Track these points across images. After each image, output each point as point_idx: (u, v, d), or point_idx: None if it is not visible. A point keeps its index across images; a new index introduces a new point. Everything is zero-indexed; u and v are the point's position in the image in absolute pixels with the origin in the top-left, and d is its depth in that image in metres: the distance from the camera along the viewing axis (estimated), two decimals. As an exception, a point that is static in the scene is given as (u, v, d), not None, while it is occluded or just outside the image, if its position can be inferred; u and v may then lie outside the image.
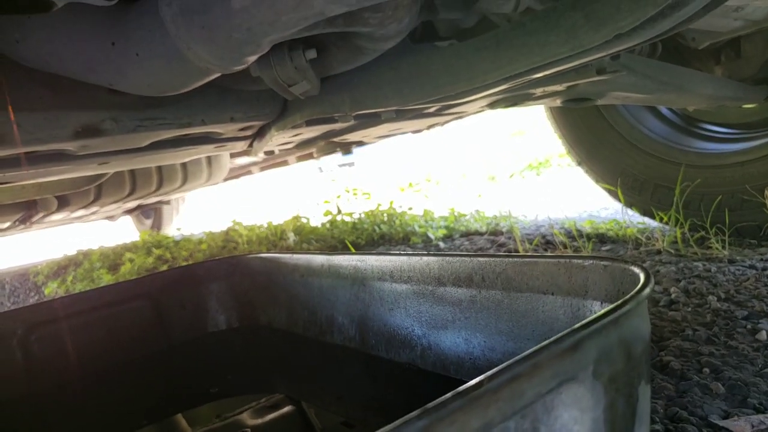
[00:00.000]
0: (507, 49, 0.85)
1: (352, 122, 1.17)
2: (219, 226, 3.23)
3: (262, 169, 3.56)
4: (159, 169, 2.84)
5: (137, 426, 0.92)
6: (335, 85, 0.94)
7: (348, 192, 2.62)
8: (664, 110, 2.08)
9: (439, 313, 0.67)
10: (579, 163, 2.14)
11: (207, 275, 1.00)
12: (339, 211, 2.50)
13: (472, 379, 0.65)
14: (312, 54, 0.77)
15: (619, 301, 0.36)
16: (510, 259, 0.58)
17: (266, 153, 1.58)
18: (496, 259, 0.60)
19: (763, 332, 0.85)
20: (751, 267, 1.24)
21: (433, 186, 2.55)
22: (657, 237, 1.64)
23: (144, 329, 0.95)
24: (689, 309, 1.01)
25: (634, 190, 1.90)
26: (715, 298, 1.04)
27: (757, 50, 1.79)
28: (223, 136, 1.07)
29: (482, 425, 0.27)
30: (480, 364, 0.63)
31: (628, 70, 1.38)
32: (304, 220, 2.50)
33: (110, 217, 4.11)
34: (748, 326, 0.89)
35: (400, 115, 1.21)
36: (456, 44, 0.91)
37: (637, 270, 0.43)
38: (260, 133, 1.11)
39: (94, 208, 3.00)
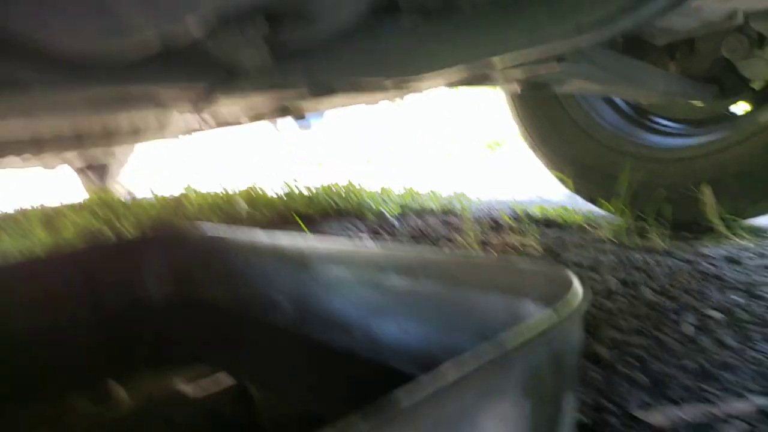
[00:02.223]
0: (467, 37, 0.84)
1: (304, 92, 1.14)
2: (172, 190, 3.14)
3: (218, 125, 3.46)
4: (104, 121, 2.74)
5: (68, 389, 0.90)
6: (288, 58, 0.91)
7: (305, 162, 2.58)
8: (617, 100, 2.11)
9: (379, 301, 0.67)
10: (531, 147, 2.16)
11: (145, 248, 0.97)
12: (294, 182, 2.46)
13: (407, 367, 0.66)
14: (263, 26, 0.74)
15: (554, 315, 0.36)
16: (452, 255, 0.58)
17: (215, 118, 1.54)
18: (439, 254, 0.60)
19: (689, 325, 0.89)
20: (686, 261, 1.29)
21: (390, 161, 2.55)
22: (602, 225, 1.68)
23: (77, 302, 0.92)
24: (625, 300, 1.04)
25: (583, 177, 1.94)
26: (650, 291, 1.08)
27: (709, 50, 1.83)
28: (165, 99, 1.03)
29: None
30: (415, 353, 0.63)
31: (588, 60, 1.39)
32: (257, 190, 2.46)
33: (49, 166, 3.96)
34: (676, 319, 0.92)
35: (355, 88, 1.19)
36: (416, 26, 0.89)
37: (573, 279, 0.44)
38: (205, 100, 1.07)
39: (33, 161, 2.87)
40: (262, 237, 0.85)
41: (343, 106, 1.74)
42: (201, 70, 0.90)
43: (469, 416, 0.31)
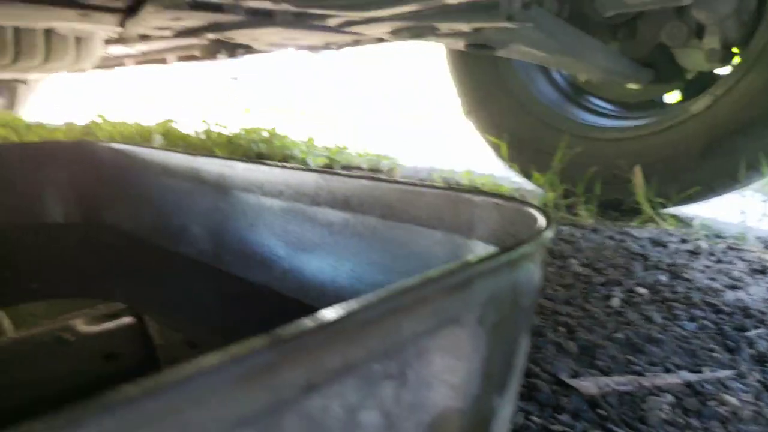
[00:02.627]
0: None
1: (242, 17, 1.05)
2: (82, 119, 2.91)
3: (138, 62, 3.24)
4: (17, 41, 2.49)
5: None
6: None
7: (229, 107, 2.45)
8: (555, 75, 2.11)
9: (308, 235, 0.61)
10: (467, 113, 2.14)
11: (47, 157, 0.86)
12: (216, 123, 2.33)
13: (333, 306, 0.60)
14: None
15: (518, 242, 0.31)
16: (394, 185, 0.52)
17: (142, 38, 1.40)
18: (379, 183, 0.53)
19: (616, 299, 0.88)
20: (610, 238, 1.30)
21: (317, 117, 2.45)
22: (530, 197, 1.68)
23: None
24: (552, 270, 1.03)
25: (514, 149, 1.93)
26: (577, 262, 1.07)
27: (651, 33, 1.85)
28: (90, 3, 0.91)
29: (342, 364, 0.21)
30: (344, 293, 0.57)
31: (536, 24, 1.35)
32: (175, 126, 2.31)
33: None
34: (603, 292, 0.92)
35: (297, 20, 1.10)
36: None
37: (534, 212, 0.39)
38: (135, 8, 0.95)
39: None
40: (178, 157, 0.76)
41: (280, 45, 1.63)
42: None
43: (417, 339, 0.26)
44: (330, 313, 0.23)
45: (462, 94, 2.13)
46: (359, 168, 2.05)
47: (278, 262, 0.63)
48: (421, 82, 5.66)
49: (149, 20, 1.03)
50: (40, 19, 1.07)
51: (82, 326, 0.84)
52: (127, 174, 0.83)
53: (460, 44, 1.55)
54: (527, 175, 1.86)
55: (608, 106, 2.04)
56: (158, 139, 1.97)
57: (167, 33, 1.26)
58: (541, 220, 0.36)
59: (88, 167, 0.87)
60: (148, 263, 0.83)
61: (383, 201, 0.52)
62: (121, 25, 1.12)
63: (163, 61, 3.12)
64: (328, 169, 1.98)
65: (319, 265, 0.59)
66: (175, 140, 2.04)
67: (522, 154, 1.94)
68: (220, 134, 2.23)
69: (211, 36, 1.43)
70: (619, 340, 0.72)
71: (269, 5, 0.93)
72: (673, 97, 1.96)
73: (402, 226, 0.51)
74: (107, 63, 3.23)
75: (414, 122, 4.56)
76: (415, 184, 0.52)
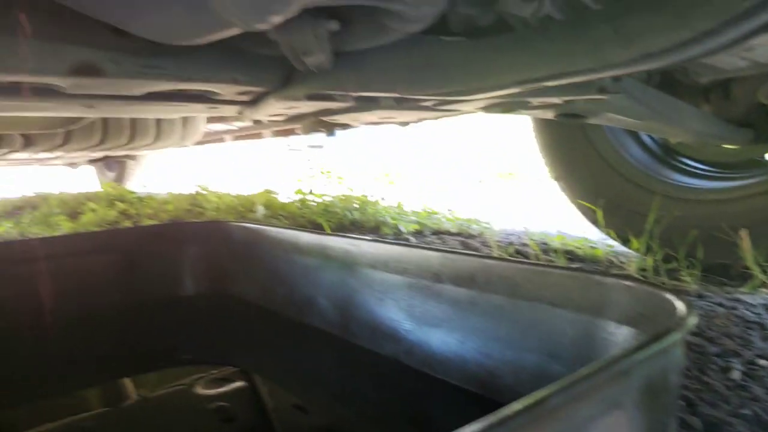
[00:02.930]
0: (526, 53, 0.83)
1: (351, 103, 1.14)
2: (182, 188, 3.14)
3: (236, 138, 3.48)
4: (132, 123, 2.75)
5: (82, 383, 0.88)
6: (346, 62, 0.90)
7: (322, 173, 2.58)
8: (645, 138, 2.10)
9: (433, 310, 0.65)
10: (556, 179, 2.15)
11: (184, 236, 0.95)
12: (311, 191, 2.45)
13: (458, 381, 0.63)
14: (334, 26, 0.73)
15: (665, 329, 0.34)
16: (520, 265, 0.56)
17: (254, 121, 1.53)
18: (504, 263, 0.57)
19: (736, 371, 0.86)
20: (720, 304, 1.26)
21: (403, 180, 2.55)
22: (628, 261, 1.66)
23: (111, 284, 0.90)
24: (660, 337, 1.02)
25: (607, 212, 1.92)
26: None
27: (745, 94, 1.82)
28: (219, 98, 1.02)
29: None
30: (470, 368, 0.60)
31: (627, 93, 1.38)
32: (274, 195, 2.45)
33: (72, 164, 3.96)
34: (721, 363, 0.90)
35: (399, 104, 1.18)
36: (474, 40, 0.89)
37: (668, 295, 0.41)
38: (257, 100, 1.06)
39: (58, 153, 2.87)
40: (306, 236, 0.83)
41: (377, 122, 1.73)
42: (261, 70, 0.90)
43: (592, 422, 0.29)
44: (516, 405, 0.27)
45: (549, 158, 2.15)
46: (449, 232, 2.09)
47: (404, 335, 0.68)
48: (506, 140, 5.71)
49: (266, 109, 1.14)
50: (174, 113, 1.20)
51: (200, 390, 0.91)
52: (257, 250, 0.91)
53: (549, 114, 1.59)
54: (623, 240, 1.84)
55: (704, 166, 2.00)
56: (261, 209, 2.11)
57: (278, 118, 1.38)
58: (679, 305, 0.39)
59: (221, 244, 0.96)
60: (274, 332, 0.89)
61: (510, 280, 0.56)
62: (239, 112, 1.24)
63: (258, 136, 3.34)
64: (418, 235, 2.04)
65: (445, 339, 0.63)
66: (276, 210, 2.17)
67: (615, 217, 1.92)
68: (315, 202, 2.34)
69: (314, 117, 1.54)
70: (747, 417, 0.71)
71: (378, 94, 1.01)
72: (775, 155, 1.90)
73: (529, 305, 0.55)
74: (207, 139, 3.49)
75: (500, 182, 4.59)
76: (542, 265, 0.55)
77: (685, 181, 1.95)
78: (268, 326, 0.89)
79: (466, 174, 4.94)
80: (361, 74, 0.92)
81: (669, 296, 0.42)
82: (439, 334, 0.64)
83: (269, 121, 1.51)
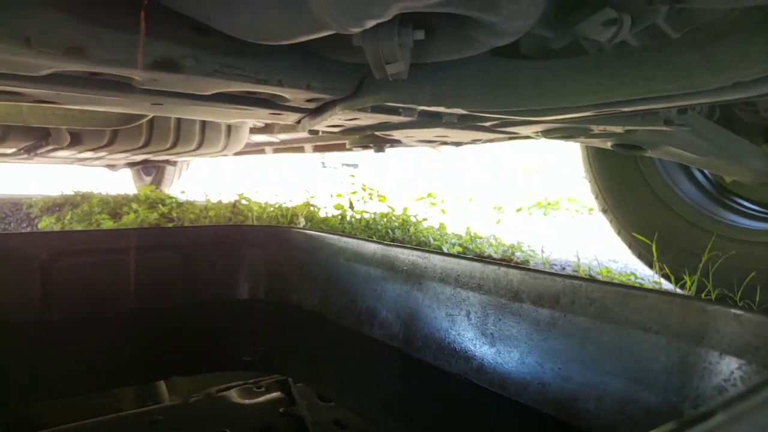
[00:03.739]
0: (607, 76, 0.82)
1: (414, 118, 1.13)
2: (220, 197, 3.16)
3: (276, 150, 3.50)
4: (177, 128, 2.79)
5: (121, 381, 0.87)
6: (421, 74, 0.90)
7: (364, 190, 2.58)
8: (698, 175, 2.07)
9: (510, 330, 0.63)
10: (604, 210, 2.12)
11: (243, 239, 0.95)
12: (351, 207, 2.45)
13: (533, 403, 0.61)
14: (420, 35, 0.73)
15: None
16: (609, 287, 0.54)
17: (311, 132, 1.53)
18: (593, 284, 0.55)
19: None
20: (779, 349, 1.21)
21: (444, 202, 2.53)
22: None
23: (166, 282, 0.90)
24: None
25: (657, 248, 1.88)
26: (748, 373, 1.01)
27: (806, 136, 1.78)
28: (286, 104, 1.02)
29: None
30: (549, 391, 0.58)
31: (690, 127, 1.36)
32: (315, 209, 2.45)
33: (112, 166, 4.04)
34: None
35: (461, 122, 1.18)
36: (552, 61, 0.88)
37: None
38: (322, 109, 1.06)
39: (102, 153, 2.93)
40: (371, 246, 0.82)
41: (430, 141, 1.72)
42: (335, 77, 0.90)
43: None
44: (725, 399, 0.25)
45: (599, 190, 2.12)
46: (491, 258, 2.06)
47: (475, 353, 0.66)
48: (550, 169, 5.67)
49: (328, 119, 1.14)
50: (236, 117, 1.21)
51: (237, 398, 0.90)
52: (318, 257, 0.90)
53: (607, 144, 1.57)
54: (675, 278, 1.79)
55: (758, 208, 1.95)
56: (302, 221, 2.11)
57: (333, 129, 1.38)
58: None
59: (281, 250, 0.95)
60: (330, 341, 0.88)
61: (599, 302, 0.54)
62: (298, 122, 1.24)
63: (300, 149, 3.36)
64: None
65: (522, 360, 0.61)
66: (317, 223, 2.17)
67: (665, 254, 1.88)
68: (356, 218, 2.34)
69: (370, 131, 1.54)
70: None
71: (445, 110, 1.01)
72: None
73: (619, 329, 0.53)
74: (248, 149, 3.53)
75: (543, 210, 4.54)
76: (635, 287, 0.53)
77: (738, 221, 1.91)
78: (324, 335, 0.88)
79: (509, 200, 4.91)
80: (435, 87, 0.91)
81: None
82: (515, 353, 0.62)
83: (323, 132, 1.52)
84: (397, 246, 0.78)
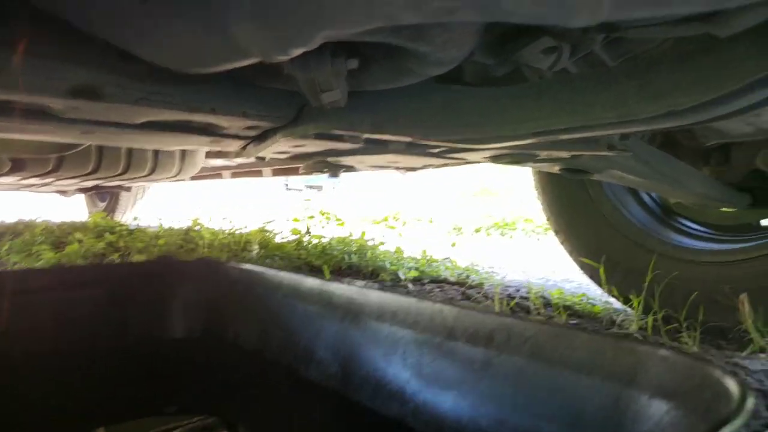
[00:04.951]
0: (548, 103, 0.82)
1: (360, 145, 1.11)
2: (176, 223, 3.09)
3: (234, 175, 3.45)
4: (129, 153, 2.72)
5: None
6: (360, 103, 0.88)
7: (322, 215, 2.54)
8: (645, 197, 2.10)
9: (445, 370, 0.61)
10: (556, 232, 2.14)
11: (177, 275, 0.91)
12: (308, 232, 2.41)
13: (470, 449, 0.58)
14: (354, 64, 0.71)
15: (725, 416, 0.30)
16: (543, 325, 0.52)
17: (258, 158, 1.50)
18: (526, 322, 0.54)
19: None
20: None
21: (400, 226, 2.52)
22: (627, 320, 1.62)
23: (93, 322, 0.85)
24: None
25: (607, 269, 1.89)
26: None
27: (745, 158, 1.83)
28: (224, 132, 0.99)
29: None
30: (484, 435, 0.56)
31: (632, 152, 1.38)
32: (270, 234, 2.41)
33: (63, 192, 3.91)
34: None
35: (409, 149, 1.16)
36: (494, 88, 0.87)
37: (714, 370, 0.38)
38: (263, 136, 1.04)
39: (49, 179, 2.83)
40: (309, 281, 0.79)
41: (382, 167, 1.71)
42: (272, 105, 0.88)
43: None
44: None
45: (550, 213, 2.14)
46: (447, 281, 2.05)
47: (411, 396, 0.63)
48: (506, 191, 5.73)
49: (272, 146, 1.11)
50: (175, 145, 1.17)
51: None
52: (254, 293, 0.86)
53: (555, 168, 1.58)
54: (624, 298, 1.81)
55: (702, 228, 2.00)
56: (256, 249, 2.06)
57: (282, 156, 1.35)
58: (729, 383, 0.36)
59: (215, 285, 0.91)
60: (267, 382, 0.84)
61: (532, 340, 0.53)
62: (243, 148, 1.21)
63: (258, 174, 3.31)
64: (417, 282, 2.00)
65: (457, 403, 0.59)
66: (271, 250, 2.12)
67: (614, 275, 1.90)
68: (312, 243, 2.30)
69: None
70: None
71: (390, 137, 0.99)
72: (773, 219, 1.89)
73: (552, 369, 0.51)
74: (205, 174, 3.46)
75: (499, 231, 4.57)
76: (568, 326, 0.52)
77: (684, 242, 1.94)
78: (261, 375, 0.84)
79: (468, 221, 4.93)
80: (375, 116, 0.90)
81: (713, 370, 0.38)
82: (450, 396, 0.60)
83: (272, 158, 1.48)
84: (334, 281, 0.76)
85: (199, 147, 1.14)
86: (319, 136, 1.06)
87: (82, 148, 2.49)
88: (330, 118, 0.90)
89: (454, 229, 4.69)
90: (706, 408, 0.32)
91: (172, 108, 0.81)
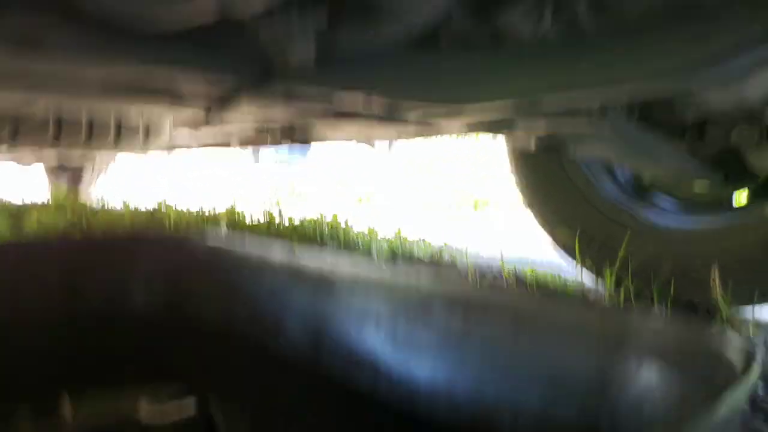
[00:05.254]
0: (530, 66, 0.79)
1: (330, 113, 1.07)
2: (141, 202, 3.01)
3: (201, 145, 3.36)
4: (90, 121, 2.62)
5: (19, 399, 0.78)
6: (330, 66, 0.84)
7: (292, 194, 2.49)
8: (618, 172, 2.10)
9: (419, 341, 0.58)
10: (529, 206, 2.12)
11: (138, 248, 0.86)
12: (279, 212, 2.36)
13: (445, 420, 0.56)
14: (323, 22, 0.67)
15: (727, 375, 0.28)
16: (524, 295, 0.49)
17: (222, 129, 1.45)
18: (507, 292, 0.51)
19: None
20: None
21: (375, 204, 2.48)
22: (599, 295, 1.62)
23: (55, 292, 0.81)
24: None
25: (580, 244, 1.89)
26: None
27: (719, 135, 1.83)
28: (186, 92, 0.94)
29: None
30: (461, 405, 0.53)
31: (610, 126, 1.36)
32: (240, 214, 2.35)
33: (22, 161, 3.76)
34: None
35: (381, 116, 1.12)
36: (472, 53, 0.83)
37: (714, 334, 0.35)
38: (227, 100, 0.99)
39: (3, 148, 2.72)
40: (277, 253, 0.75)
41: (355, 137, 1.66)
42: (239, 58, 0.82)
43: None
44: None
45: (523, 186, 2.12)
46: (421, 260, 2.02)
47: (385, 368, 0.60)
48: (480, 168, 5.73)
49: (236, 111, 1.06)
50: (134, 109, 1.11)
51: (146, 417, 0.81)
52: (220, 267, 0.82)
53: (531, 140, 1.56)
54: (597, 273, 1.80)
55: (674, 204, 2.00)
56: (224, 228, 2.00)
57: (249, 123, 1.30)
58: (730, 351, 0.33)
59: (179, 258, 0.87)
60: (233, 358, 0.81)
61: (516, 309, 0.50)
62: (207, 113, 1.16)
63: (227, 145, 3.24)
64: (390, 262, 1.97)
65: (433, 374, 0.56)
66: (241, 229, 2.07)
67: (588, 249, 1.89)
68: (283, 223, 2.25)
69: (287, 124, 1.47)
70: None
71: (360, 101, 0.95)
72: (743, 197, 1.91)
73: (536, 337, 0.48)
74: (173, 145, 3.37)
75: (473, 209, 4.57)
76: (551, 295, 0.49)
77: (656, 218, 1.94)
78: (227, 351, 0.81)
79: (440, 200, 4.92)
80: (347, 80, 0.85)
81: (712, 337, 0.35)
82: (425, 366, 0.57)
83: (238, 128, 1.43)
84: (304, 253, 0.72)
85: (160, 113, 1.09)
86: (288, 101, 1.02)
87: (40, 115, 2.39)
88: (298, 80, 0.85)
89: (428, 206, 4.67)
90: (702, 377, 0.29)
91: (125, 62, 0.75)
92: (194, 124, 2.81)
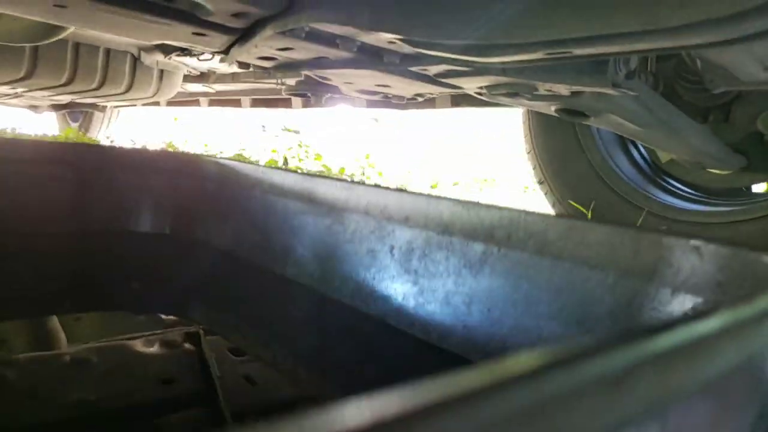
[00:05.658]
0: (566, 6, 0.75)
1: (352, 54, 1.04)
2: (149, 147, 2.98)
3: (211, 103, 3.34)
4: (105, 66, 2.59)
5: (14, 316, 0.77)
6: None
7: (300, 147, 2.47)
8: (635, 153, 2.07)
9: (437, 267, 0.55)
10: (540, 182, 2.10)
11: (148, 164, 0.84)
12: (285, 162, 2.34)
13: (459, 350, 0.54)
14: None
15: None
16: (555, 219, 0.47)
17: (240, 65, 1.42)
18: (535, 216, 0.48)
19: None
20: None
21: (381, 172, 2.46)
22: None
23: (57, 203, 0.78)
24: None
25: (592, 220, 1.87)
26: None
27: (745, 118, 1.79)
28: (209, 19, 0.91)
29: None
30: (476, 335, 0.51)
31: (637, 94, 1.32)
32: (250, 160, 2.33)
33: (35, 107, 3.74)
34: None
35: (403, 62, 1.09)
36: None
37: (761, 256, 0.33)
38: (251, 30, 0.96)
39: (20, 89, 2.69)
40: (290, 176, 0.73)
41: (370, 91, 1.62)
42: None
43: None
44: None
45: (537, 161, 2.09)
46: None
47: (396, 294, 0.58)
48: (486, 146, 5.68)
49: (259, 47, 1.03)
50: (155, 35, 1.08)
51: (141, 347, 0.80)
52: (230, 190, 0.80)
53: (551, 109, 1.52)
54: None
55: (689, 189, 1.98)
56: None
57: (269, 64, 1.27)
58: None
59: (189, 179, 0.85)
60: (241, 283, 0.79)
61: (539, 235, 0.47)
62: (226, 51, 1.13)
63: (237, 103, 3.21)
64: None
65: (447, 301, 0.54)
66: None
67: (598, 227, 1.87)
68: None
69: (305, 73, 1.43)
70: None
71: (385, 44, 0.92)
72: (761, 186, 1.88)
73: (560, 265, 0.46)
74: (182, 98, 3.34)
75: (477, 186, 4.54)
76: (577, 219, 0.46)
77: (669, 200, 1.92)
78: (235, 276, 0.79)
79: (446, 175, 4.88)
80: (375, 9, 0.82)
81: (759, 257, 0.33)
82: (439, 293, 0.55)
83: (258, 67, 1.39)
84: (318, 176, 0.70)
85: (181, 40, 1.06)
86: (310, 38, 0.98)
87: (53, 56, 2.36)
88: (326, 7, 0.82)
89: (433, 185, 4.63)
90: (747, 300, 0.26)
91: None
92: (204, 79, 2.77)
